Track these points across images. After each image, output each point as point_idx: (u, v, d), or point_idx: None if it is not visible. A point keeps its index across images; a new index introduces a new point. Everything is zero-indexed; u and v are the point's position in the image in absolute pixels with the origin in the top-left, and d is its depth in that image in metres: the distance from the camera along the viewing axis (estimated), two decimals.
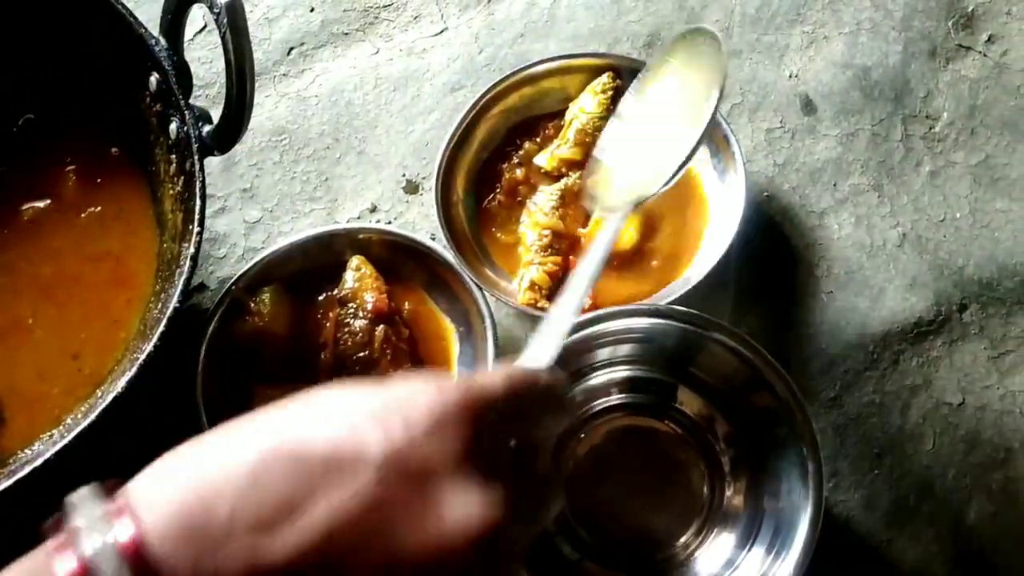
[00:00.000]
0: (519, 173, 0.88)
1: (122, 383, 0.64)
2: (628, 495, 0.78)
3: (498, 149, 0.90)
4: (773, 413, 0.70)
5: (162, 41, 0.74)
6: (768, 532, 0.70)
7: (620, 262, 0.85)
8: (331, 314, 0.81)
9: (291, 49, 0.98)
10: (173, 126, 0.74)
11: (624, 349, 0.77)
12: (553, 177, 0.88)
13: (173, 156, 0.75)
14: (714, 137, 0.86)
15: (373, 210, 0.90)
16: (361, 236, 0.84)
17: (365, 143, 0.93)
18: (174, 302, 0.67)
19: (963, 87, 0.95)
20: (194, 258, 0.68)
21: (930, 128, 0.93)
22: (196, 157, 0.71)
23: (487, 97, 0.88)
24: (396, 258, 0.84)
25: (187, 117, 0.72)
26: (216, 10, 0.67)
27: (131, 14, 0.75)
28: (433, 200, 0.84)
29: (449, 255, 0.82)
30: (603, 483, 0.78)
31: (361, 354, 0.78)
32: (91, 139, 0.83)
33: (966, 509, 0.79)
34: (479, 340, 0.80)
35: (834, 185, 0.90)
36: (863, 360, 0.84)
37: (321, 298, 0.83)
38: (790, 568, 0.66)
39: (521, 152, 0.89)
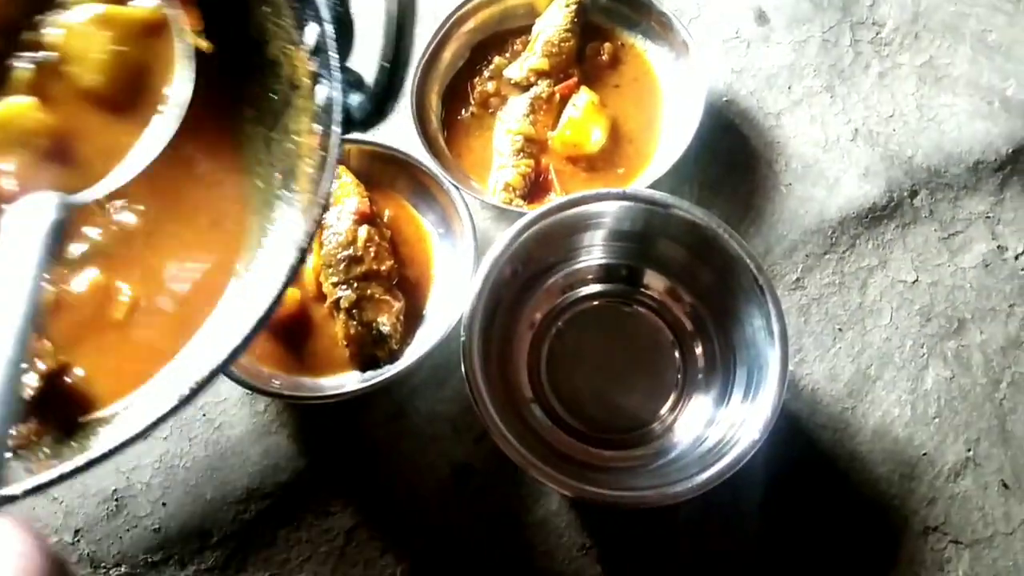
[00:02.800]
0: (490, 86, 0.93)
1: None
2: (606, 380, 0.81)
3: (468, 64, 0.95)
4: (732, 272, 0.75)
5: None
6: (742, 381, 0.75)
7: (589, 164, 0.90)
8: None
9: None
10: (321, 90, 0.57)
11: (597, 236, 0.81)
12: (523, 88, 0.92)
13: (317, 126, 0.58)
14: (674, 44, 0.91)
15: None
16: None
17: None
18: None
19: None
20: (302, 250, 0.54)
21: (877, 33, 0.99)
22: (337, 131, 0.56)
23: (456, 16, 0.93)
24: (375, 168, 0.88)
25: (337, 80, 0.56)
26: None
27: None
28: (410, 115, 0.88)
29: (427, 160, 0.86)
30: (580, 368, 0.82)
31: (345, 252, 0.81)
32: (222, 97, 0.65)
33: (923, 376, 0.84)
34: (458, 239, 0.84)
35: (789, 88, 0.95)
36: (822, 244, 0.89)
37: None
38: (767, 408, 0.70)
39: (491, 67, 0.94)
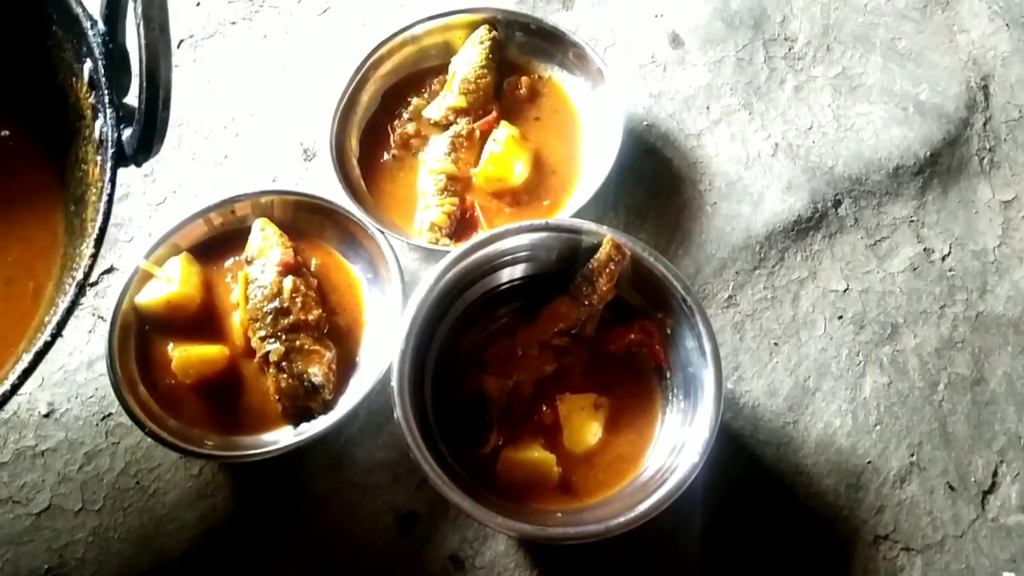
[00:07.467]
0: (410, 127, 0.93)
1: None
2: None
3: (386, 107, 0.94)
4: (660, 295, 0.75)
5: (100, 24, 0.62)
6: (680, 405, 0.75)
7: (514, 198, 0.89)
8: (240, 274, 0.83)
9: (181, 42, 1.01)
10: (99, 124, 0.62)
11: (525, 268, 0.81)
12: (443, 127, 0.92)
13: (99, 158, 0.62)
14: (591, 74, 0.92)
15: (274, 181, 0.93)
16: (263, 200, 0.87)
17: (261, 121, 0.96)
18: (45, 336, 0.55)
19: (815, 9, 1.02)
20: (80, 285, 0.56)
21: (789, 49, 1.00)
22: (110, 164, 0.60)
23: (371, 60, 0.93)
24: (300, 217, 0.87)
25: (108, 116, 0.60)
26: None
27: None
28: (330, 163, 0.87)
29: (351, 206, 0.85)
30: None
31: (271, 305, 0.80)
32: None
33: (861, 384, 0.84)
34: (386, 284, 0.83)
35: (707, 108, 0.96)
36: (752, 260, 0.89)
37: (229, 263, 0.85)
38: (705, 429, 0.69)
39: (410, 108, 0.94)
